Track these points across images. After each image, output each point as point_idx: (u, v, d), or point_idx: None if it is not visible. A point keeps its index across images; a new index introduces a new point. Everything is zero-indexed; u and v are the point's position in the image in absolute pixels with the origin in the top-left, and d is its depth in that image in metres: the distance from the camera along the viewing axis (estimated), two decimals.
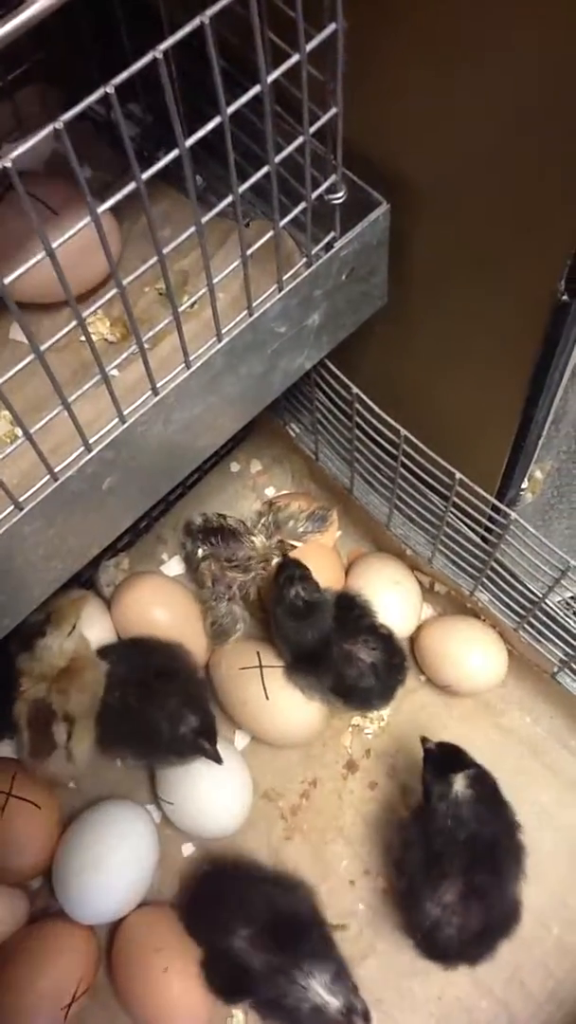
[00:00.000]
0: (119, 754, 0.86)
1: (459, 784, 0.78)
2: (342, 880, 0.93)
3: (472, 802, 0.78)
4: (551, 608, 0.85)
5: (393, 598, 0.96)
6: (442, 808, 0.78)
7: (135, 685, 0.85)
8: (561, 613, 0.85)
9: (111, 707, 0.84)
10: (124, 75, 0.35)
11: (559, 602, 0.85)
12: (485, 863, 0.78)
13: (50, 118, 0.35)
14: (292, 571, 0.87)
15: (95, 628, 0.93)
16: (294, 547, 0.97)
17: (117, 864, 0.87)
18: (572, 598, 0.85)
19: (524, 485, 0.81)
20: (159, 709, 0.84)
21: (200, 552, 0.98)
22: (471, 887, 0.77)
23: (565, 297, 0.58)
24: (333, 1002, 0.76)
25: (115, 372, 0.60)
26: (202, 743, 0.84)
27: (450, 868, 0.77)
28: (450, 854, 0.78)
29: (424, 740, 0.82)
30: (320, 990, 0.76)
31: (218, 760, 0.85)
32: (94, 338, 0.65)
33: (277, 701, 0.92)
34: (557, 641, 0.88)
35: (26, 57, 0.71)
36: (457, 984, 0.88)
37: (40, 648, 0.80)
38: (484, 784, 0.80)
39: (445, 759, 0.80)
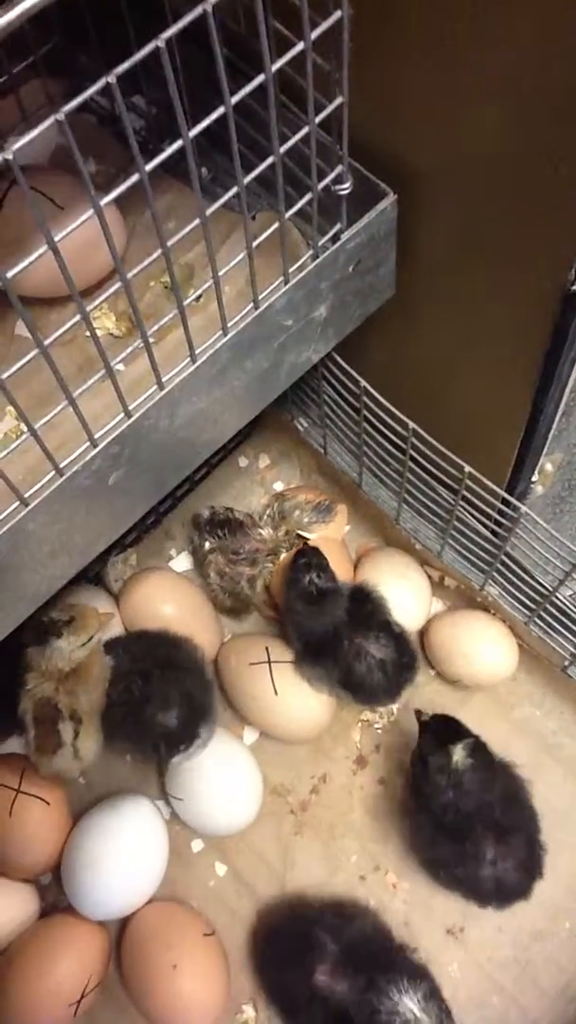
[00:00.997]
0: (122, 748, 0.86)
1: (458, 755, 0.78)
2: (352, 876, 0.93)
3: (472, 771, 0.78)
4: (562, 602, 0.84)
5: (402, 592, 0.96)
6: (442, 780, 0.78)
7: (138, 676, 0.85)
8: (572, 607, 0.84)
9: (114, 701, 0.84)
10: (126, 64, 0.34)
11: (570, 596, 0.84)
12: (503, 819, 0.81)
13: (54, 111, 0.34)
14: (310, 558, 0.88)
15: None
16: (305, 539, 0.97)
17: (126, 860, 0.87)
18: None
19: (534, 478, 0.80)
20: (157, 701, 0.83)
21: (207, 545, 0.98)
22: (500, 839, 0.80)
23: (575, 287, 0.57)
24: (425, 1019, 0.75)
25: (121, 366, 0.60)
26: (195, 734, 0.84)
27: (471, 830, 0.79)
28: (463, 822, 0.79)
29: (419, 713, 0.82)
30: (412, 1006, 0.75)
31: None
32: (100, 332, 0.64)
33: (286, 696, 0.92)
34: (568, 635, 0.88)
35: (31, 50, 0.71)
36: (468, 981, 0.88)
37: (52, 647, 0.79)
38: (482, 753, 0.80)
39: (442, 730, 0.81)
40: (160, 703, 0.83)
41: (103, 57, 0.68)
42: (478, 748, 0.79)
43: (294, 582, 0.87)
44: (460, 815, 0.78)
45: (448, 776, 0.78)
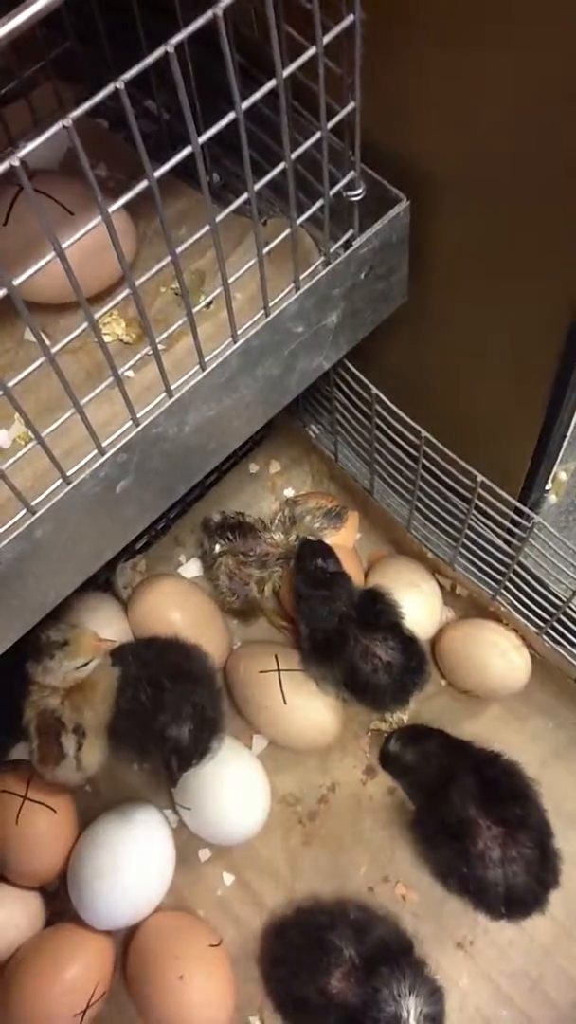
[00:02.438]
0: (130, 757, 0.85)
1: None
2: (360, 886, 0.92)
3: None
4: (575, 612, 0.83)
5: (413, 601, 0.95)
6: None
7: (147, 684, 0.84)
8: None
9: (122, 709, 0.83)
10: (134, 70, 0.34)
11: None
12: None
13: (64, 116, 0.34)
14: (314, 545, 0.89)
15: (112, 631, 0.92)
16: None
17: (133, 869, 0.86)
18: None
19: (548, 487, 0.80)
20: (168, 713, 0.82)
21: (217, 548, 0.97)
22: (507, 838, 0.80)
23: None
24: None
25: (130, 373, 0.60)
26: (207, 746, 0.83)
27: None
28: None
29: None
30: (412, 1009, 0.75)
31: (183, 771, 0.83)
32: (109, 339, 0.64)
33: (295, 705, 0.91)
34: None
35: (41, 55, 0.71)
36: (477, 994, 0.87)
37: (44, 666, 0.79)
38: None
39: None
40: (171, 716, 0.81)
41: (115, 61, 0.67)
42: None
43: (300, 569, 0.88)
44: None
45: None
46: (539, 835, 0.82)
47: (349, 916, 0.83)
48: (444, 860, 0.84)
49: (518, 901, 0.81)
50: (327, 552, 0.89)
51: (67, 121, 0.33)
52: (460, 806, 0.80)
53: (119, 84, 0.34)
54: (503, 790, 0.82)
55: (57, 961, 0.84)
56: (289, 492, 1.09)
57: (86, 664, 0.80)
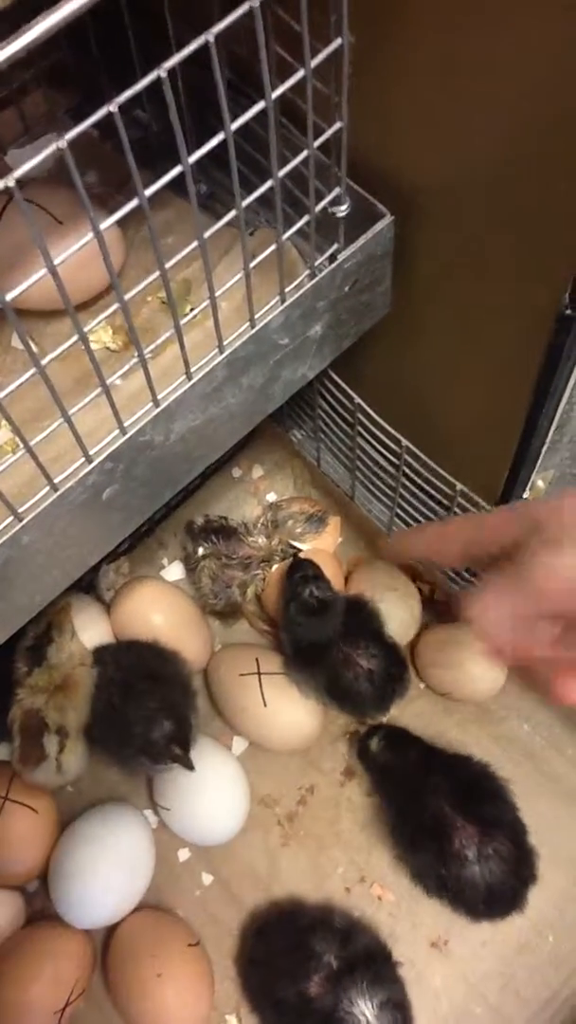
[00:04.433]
0: (106, 759, 0.86)
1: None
2: (338, 887, 0.93)
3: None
4: None
5: (393, 605, 0.96)
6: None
7: (119, 686, 0.85)
8: None
9: (96, 710, 0.84)
10: (128, 93, 0.35)
11: None
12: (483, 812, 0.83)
13: (56, 122, 0.35)
14: (306, 570, 0.89)
15: (94, 633, 0.93)
16: (299, 549, 0.97)
17: (112, 868, 0.87)
18: None
19: (526, 495, 0.81)
20: (137, 711, 0.83)
21: (200, 551, 0.98)
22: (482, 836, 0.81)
23: (569, 311, 0.57)
24: None
25: (118, 381, 0.60)
26: (174, 749, 0.83)
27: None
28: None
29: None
30: (367, 1012, 0.76)
31: (190, 767, 0.83)
32: (96, 346, 0.65)
33: (275, 707, 0.92)
34: None
35: (33, 62, 0.71)
36: (452, 992, 0.88)
37: (51, 654, 0.80)
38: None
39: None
40: (142, 717, 0.82)
41: (107, 71, 0.68)
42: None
43: (294, 596, 0.88)
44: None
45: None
46: (514, 832, 0.84)
47: (333, 923, 0.85)
48: (422, 862, 0.85)
49: (497, 899, 0.82)
50: (319, 576, 0.89)
51: (62, 143, 0.34)
52: (435, 806, 0.81)
53: (112, 108, 0.34)
54: (476, 790, 0.84)
55: (36, 960, 0.85)
56: (272, 496, 1.10)
57: (74, 634, 0.82)
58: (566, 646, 0.42)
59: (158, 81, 0.36)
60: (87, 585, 1.01)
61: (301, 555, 0.94)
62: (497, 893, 0.82)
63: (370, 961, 0.80)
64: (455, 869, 0.81)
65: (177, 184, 0.42)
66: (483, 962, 0.89)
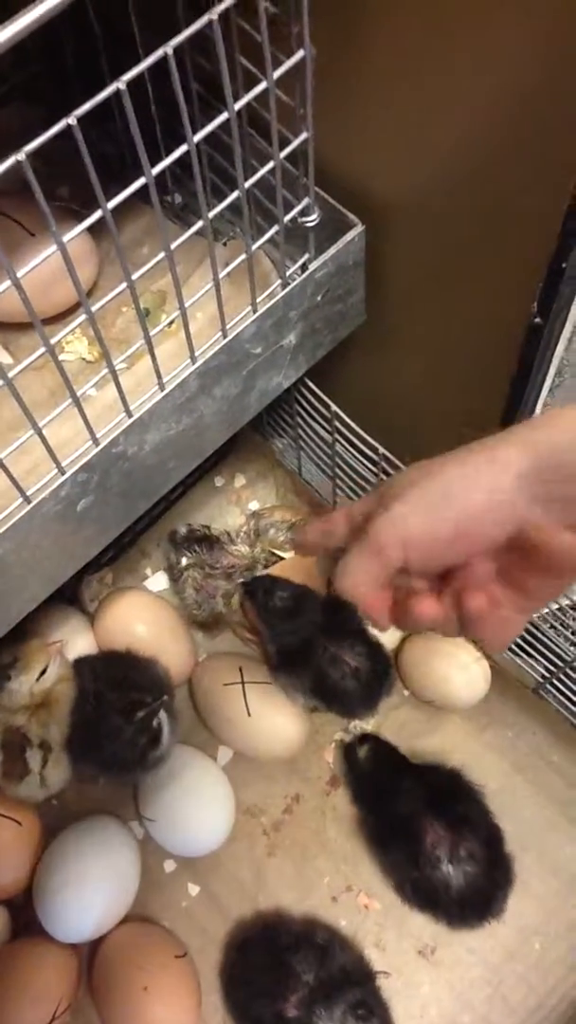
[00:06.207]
0: (84, 770, 0.85)
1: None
2: (324, 896, 0.93)
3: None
4: (532, 624, 0.85)
5: None
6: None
7: (95, 697, 0.84)
8: (542, 629, 0.85)
9: (75, 722, 0.84)
10: (87, 106, 0.35)
11: (540, 617, 0.85)
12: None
13: (30, 137, 0.35)
14: (262, 583, 0.90)
15: (78, 644, 0.93)
16: (281, 557, 0.97)
17: (98, 881, 0.86)
18: (553, 613, 0.85)
19: None
20: (112, 720, 0.83)
21: (184, 561, 0.98)
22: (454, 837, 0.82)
23: (538, 319, 0.58)
24: None
25: (93, 391, 0.60)
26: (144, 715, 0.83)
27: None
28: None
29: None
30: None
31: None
32: (72, 357, 0.65)
33: (259, 717, 0.92)
34: (539, 657, 0.88)
35: (7, 77, 0.71)
36: (439, 1000, 0.88)
37: (7, 692, 0.80)
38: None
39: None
40: (116, 726, 0.82)
41: (81, 85, 0.69)
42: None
43: (264, 608, 0.88)
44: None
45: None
46: (487, 835, 0.84)
47: (316, 939, 0.84)
48: (396, 866, 0.85)
49: (471, 902, 0.82)
50: (274, 581, 0.89)
51: (21, 156, 0.34)
52: (407, 811, 0.82)
53: (71, 120, 0.35)
54: (448, 794, 0.84)
55: (22, 974, 0.84)
56: (254, 505, 1.10)
57: (44, 672, 0.81)
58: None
59: (129, 91, 0.36)
60: (70, 596, 1.01)
61: (283, 561, 0.94)
62: (470, 896, 0.82)
63: (350, 983, 0.80)
64: (427, 871, 0.81)
65: (151, 195, 0.42)
66: (470, 970, 0.89)
